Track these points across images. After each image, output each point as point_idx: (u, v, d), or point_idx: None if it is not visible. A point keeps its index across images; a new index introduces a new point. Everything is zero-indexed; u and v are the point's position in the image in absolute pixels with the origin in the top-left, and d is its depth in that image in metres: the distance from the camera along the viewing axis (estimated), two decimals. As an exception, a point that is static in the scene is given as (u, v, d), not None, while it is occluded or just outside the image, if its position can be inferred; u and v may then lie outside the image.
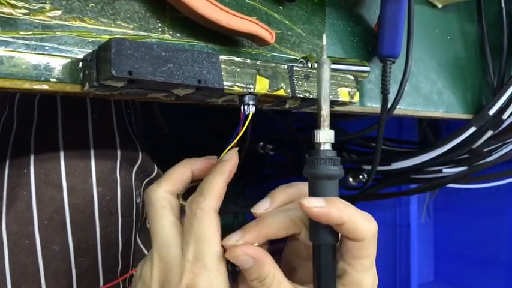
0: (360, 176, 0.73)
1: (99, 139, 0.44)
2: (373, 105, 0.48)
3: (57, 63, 0.30)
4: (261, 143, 0.88)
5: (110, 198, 0.44)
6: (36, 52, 0.29)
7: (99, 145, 0.44)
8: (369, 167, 0.58)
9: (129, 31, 0.33)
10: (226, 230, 0.35)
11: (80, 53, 0.31)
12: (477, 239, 0.93)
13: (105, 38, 0.32)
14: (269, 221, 0.31)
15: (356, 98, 0.39)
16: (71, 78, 0.30)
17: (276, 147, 0.88)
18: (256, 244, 0.30)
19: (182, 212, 0.32)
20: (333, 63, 0.41)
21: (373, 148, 0.68)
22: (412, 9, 0.46)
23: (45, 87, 0.30)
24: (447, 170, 0.66)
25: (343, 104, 0.39)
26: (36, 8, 0.29)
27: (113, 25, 0.32)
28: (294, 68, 0.36)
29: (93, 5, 0.31)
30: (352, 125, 0.76)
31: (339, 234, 0.30)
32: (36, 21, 0.29)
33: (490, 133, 0.58)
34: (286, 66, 0.35)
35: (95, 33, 0.32)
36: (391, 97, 0.46)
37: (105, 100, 0.46)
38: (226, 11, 0.34)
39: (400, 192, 0.76)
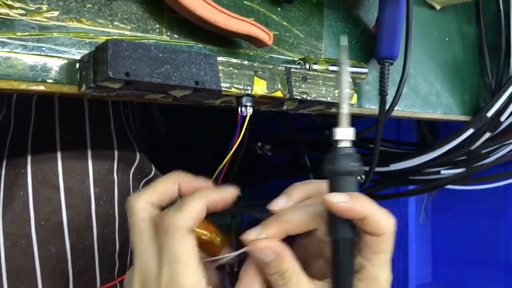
0: (358, 177, 0.73)
1: (96, 139, 0.44)
2: (371, 107, 0.48)
3: (54, 64, 0.30)
4: (259, 144, 0.88)
5: (107, 199, 0.44)
6: (33, 53, 0.29)
7: (96, 145, 0.44)
8: (366, 168, 0.58)
9: (126, 32, 0.33)
10: (224, 230, 0.35)
11: (77, 54, 0.31)
12: (475, 240, 0.93)
13: (102, 39, 0.32)
14: (289, 216, 0.31)
15: (354, 100, 0.39)
16: (68, 79, 0.30)
17: (274, 148, 0.88)
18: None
19: None
20: (331, 65, 0.41)
21: (371, 149, 0.67)
22: (411, 10, 0.46)
23: (42, 88, 0.30)
24: (445, 172, 0.66)
25: (341, 105, 0.39)
26: (33, 8, 0.29)
27: (110, 26, 0.32)
28: (292, 70, 0.36)
29: (90, 5, 0.31)
30: (350, 126, 0.76)
31: (357, 230, 0.31)
32: (33, 22, 0.29)
33: (488, 135, 0.58)
34: (283, 68, 0.35)
35: (92, 34, 0.31)
36: (389, 98, 0.46)
37: (103, 100, 0.46)
38: (224, 12, 0.34)
39: (398, 194, 0.76)
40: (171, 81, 0.30)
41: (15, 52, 0.29)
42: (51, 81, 0.30)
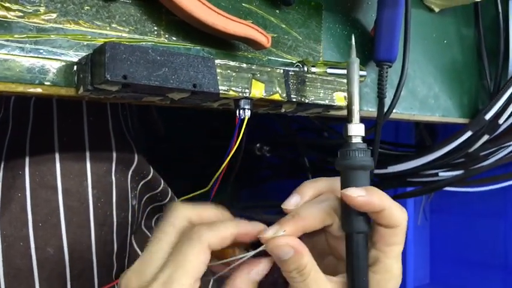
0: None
1: (94, 141, 0.44)
2: (370, 109, 0.48)
3: (52, 67, 0.30)
4: (258, 145, 0.88)
5: (105, 201, 0.44)
6: (30, 55, 0.29)
7: (94, 147, 0.44)
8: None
9: (124, 34, 0.33)
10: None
11: (74, 56, 0.31)
12: (473, 241, 0.93)
13: (100, 41, 0.32)
14: (305, 213, 0.32)
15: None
16: (65, 81, 0.30)
17: (273, 149, 0.88)
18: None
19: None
20: (329, 68, 0.41)
21: (370, 151, 0.68)
22: (409, 13, 0.46)
23: (39, 90, 0.30)
24: (443, 174, 0.66)
25: (339, 108, 0.39)
26: (30, 10, 0.29)
27: (108, 28, 0.32)
28: (290, 73, 0.36)
29: (88, 8, 0.31)
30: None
31: (371, 223, 0.31)
32: (31, 24, 0.29)
33: (486, 137, 0.58)
34: (282, 71, 0.35)
35: (90, 37, 0.31)
36: (388, 101, 0.46)
37: (101, 102, 0.46)
38: (222, 14, 0.34)
39: (396, 196, 0.76)
40: (169, 84, 0.30)
41: (12, 54, 0.29)
42: (48, 83, 0.30)
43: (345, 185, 0.31)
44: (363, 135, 0.31)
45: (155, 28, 0.34)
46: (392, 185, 0.73)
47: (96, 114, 0.45)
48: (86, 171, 0.43)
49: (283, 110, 0.38)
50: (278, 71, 0.35)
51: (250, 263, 0.31)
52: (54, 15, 0.30)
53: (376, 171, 0.67)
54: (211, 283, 0.45)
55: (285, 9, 0.41)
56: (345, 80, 0.39)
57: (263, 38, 0.36)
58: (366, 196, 0.29)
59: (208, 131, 0.88)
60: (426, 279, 1.00)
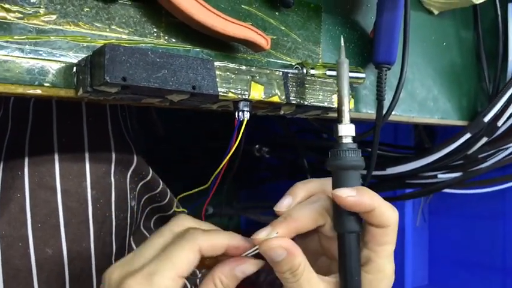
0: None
1: (94, 142, 0.44)
2: (369, 111, 0.48)
3: (51, 68, 0.30)
4: (257, 146, 0.88)
5: (104, 202, 0.44)
6: (30, 56, 0.29)
7: (93, 148, 0.44)
8: (364, 172, 0.58)
9: (124, 36, 0.33)
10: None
11: (74, 58, 0.31)
12: (472, 243, 0.93)
13: (100, 42, 0.32)
14: (297, 215, 0.32)
15: (351, 105, 0.39)
16: (65, 83, 0.30)
17: (272, 150, 0.88)
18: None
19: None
20: (328, 70, 0.41)
21: (369, 153, 0.68)
22: (409, 15, 0.46)
23: (38, 91, 0.30)
24: (442, 176, 0.66)
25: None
26: (30, 12, 0.29)
27: (107, 30, 0.32)
28: (289, 75, 0.36)
29: (88, 9, 0.31)
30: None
31: (362, 223, 0.31)
32: (31, 25, 0.29)
33: (484, 139, 0.58)
34: (281, 73, 0.35)
35: (89, 38, 0.31)
36: (387, 103, 0.46)
37: (101, 103, 0.46)
38: (221, 16, 0.34)
39: (395, 197, 0.77)
40: (168, 86, 0.30)
41: (12, 56, 0.29)
42: (48, 84, 0.30)
43: (336, 185, 0.31)
44: (354, 135, 0.32)
45: (155, 30, 0.34)
46: (391, 187, 0.73)
47: (95, 115, 0.45)
48: (85, 172, 0.43)
49: (282, 112, 0.38)
50: (277, 73, 0.35)
51: (237, 260, 0.32)
52: (53, 17, 0.30)
53: (375, 172, 0.67)
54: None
55: (284, 11, 0.41)
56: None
57: (262, 40, 0.36)
58: (356, 196, 0.30)
59: (208, 132, 0.88)
60: (425, 280, 1.00)
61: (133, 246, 0.49)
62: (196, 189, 0.38)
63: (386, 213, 0.30)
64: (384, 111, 0.47)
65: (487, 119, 0.56)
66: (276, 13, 0.41)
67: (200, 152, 0.90)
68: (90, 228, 0.43)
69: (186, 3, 0.32)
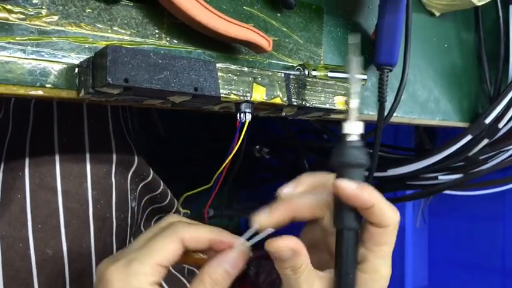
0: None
1: (94, 143, 0.44)
2: (370, 113, 0.48)
3: (53, 69, 0.30)
4: (257, 147, 0.88)
5: (104, 202, 0.44)
6: (32, 57, 0.29)
7: (94, 149, 0.44)
8: (365, 173, 0.58)
9: (126, 37, 0.33)
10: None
11: (76, 59, 0.31)
12: (471, 244, 0.94)
13: (101, 44, 0.32)
14: (297, 201, 0.32)
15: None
16: (66, 84, 0.30)
17: (272, 151, 0.88)
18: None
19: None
20: (330, 71, 0.41)
21: (370, 154, 0.68)
22: (410, 17, 0.46)
23: (40, 93, 0.29)
24: (443, 177, 0.66)
25: (340, 112, 0.39)
26: (32, 13, 0.29)
27: (109, 31, 0.32)
28: (291, 76, 0.36)
29: (90, 10, 0.31)
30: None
31: (362, 221, 0.31)
32: (33, 26, 0.29)
33: (485, 141, 0.58)
34: (282, 75, 0.35)
35: (91, 39, 0.31)
36: (388, 105, 0.46)
37: (102, 104, 0.46)
38: (223, 18, 0.34)
39: (396, 199, 0.76)
40: (170, 87, 0.30)
41: (14, 57, 0.29)
42: (49, 86, 0.30)
43: None
44: (361, 133, 0.31)
45: (157, 31, 0.34)
46: (391, 188, 0.73)
47: (96, 116, 0.45)
48: (86, 173, 0.43)
49: (284, 114, 0.38)
50: (279, 74, 0.35)
51: (223, 253, 0.32)
52: (55, 18, 0.30)
53: (376, 174, 0.67)
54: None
55: (286, 12, 0.41)
56: (345, 84, 0.39)
57: (264, 41, 0.36)
58: (356, 189, 0.29)
59: (209, 133, 0.88)
60: (424, 281, 1.00)
61: (134, 247, 0.48)
62: (200, 188, 0.39)
63: (386, 212, 0.30)
64: (386, 113, 0.47)
65: (488, 120, 0.56)
66: (278, 14, 0.41)
67: (201, 153, 0.90)
68: (91, 229, 0.43)
69: (187, 5, 0.32)
